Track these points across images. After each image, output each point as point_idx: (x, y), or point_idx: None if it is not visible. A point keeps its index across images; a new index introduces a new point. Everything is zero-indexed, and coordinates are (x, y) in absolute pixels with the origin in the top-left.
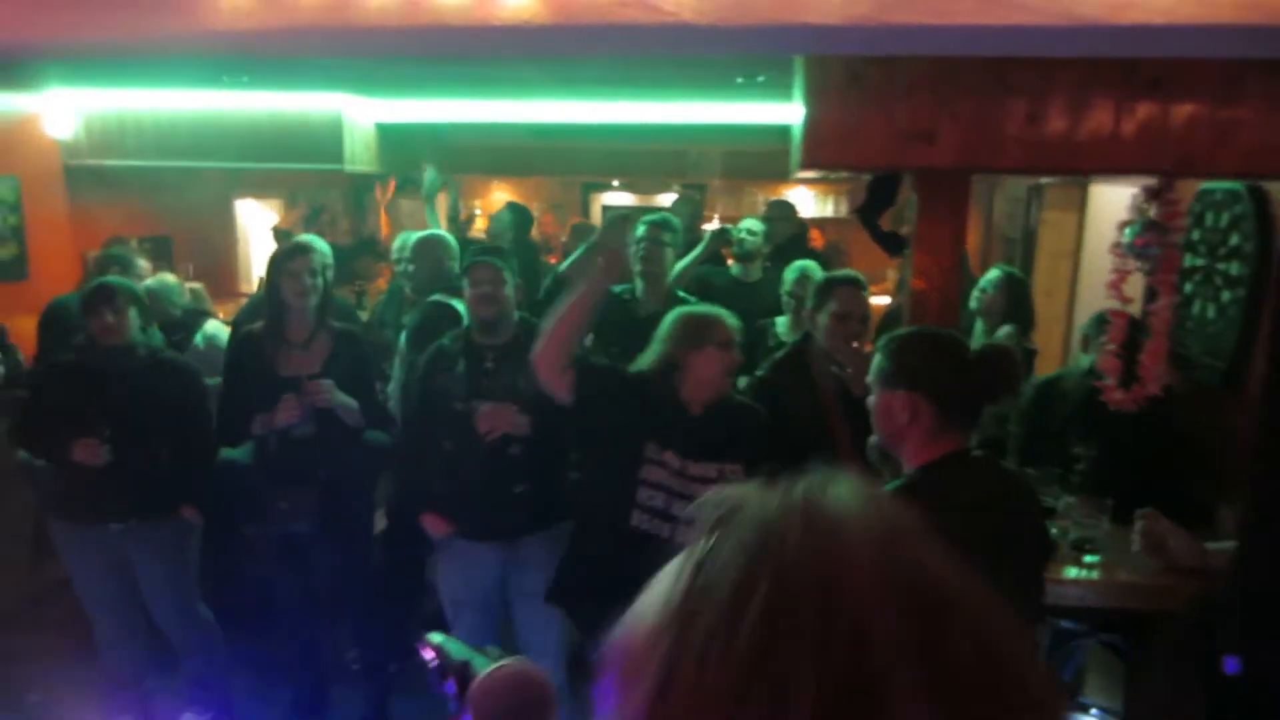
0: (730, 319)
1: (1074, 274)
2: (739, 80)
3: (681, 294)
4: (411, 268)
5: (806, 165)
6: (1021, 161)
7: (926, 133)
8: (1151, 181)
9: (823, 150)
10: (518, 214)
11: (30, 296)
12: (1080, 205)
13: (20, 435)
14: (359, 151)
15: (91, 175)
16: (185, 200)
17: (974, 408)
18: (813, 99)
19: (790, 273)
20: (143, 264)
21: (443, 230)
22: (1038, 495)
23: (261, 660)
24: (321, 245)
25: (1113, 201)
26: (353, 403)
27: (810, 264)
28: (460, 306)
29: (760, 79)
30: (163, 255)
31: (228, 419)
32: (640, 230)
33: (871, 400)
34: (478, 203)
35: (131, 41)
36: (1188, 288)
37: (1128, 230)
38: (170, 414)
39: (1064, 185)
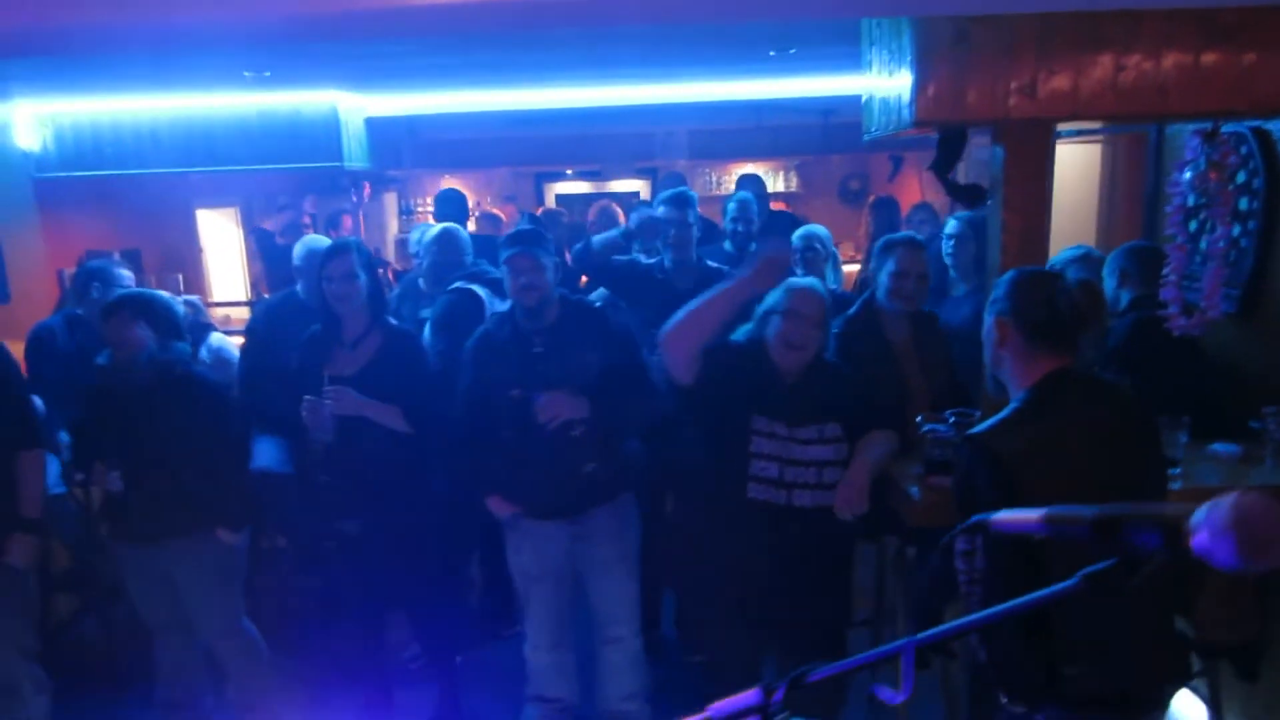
0: (811, 289)
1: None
2: (771, 54)
3: (714, 265)
4: (429, 260)
5: (919, 123)
6: (1113, 109)
7: (1028, 86)
8: (1205, 127)
9: (934, 107)
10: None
11: (12, 320)
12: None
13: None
14: (354, 148)
15: (60, 189)
16: (150, 211)
17: (1059, 333)
18: (922, 59)
19: (797, 240)
20: (126, 274)
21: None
22: (1145, 404)
23: (315, 671)
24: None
25: (1071, 156)
26: (385, 406)
27: (816, 227)
28: (483, 293)
29: (792, 51)
30: (134, 268)
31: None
32: (662, 210)
33: None
34: (425, 200)
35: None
36: (1192, 225)
37: (1188, 170)
38: (199, 431)
39: None
